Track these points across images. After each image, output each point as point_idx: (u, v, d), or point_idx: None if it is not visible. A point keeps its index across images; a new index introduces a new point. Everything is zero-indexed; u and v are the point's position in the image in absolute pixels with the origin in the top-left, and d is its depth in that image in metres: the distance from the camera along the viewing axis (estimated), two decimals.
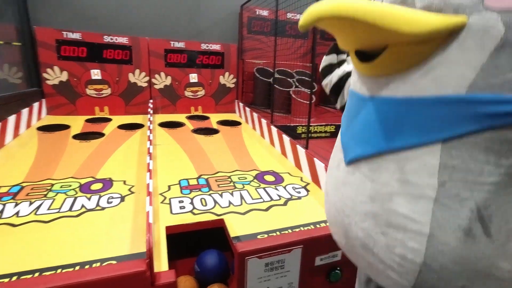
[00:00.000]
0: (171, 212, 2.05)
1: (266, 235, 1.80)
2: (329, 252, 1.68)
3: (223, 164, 2.92)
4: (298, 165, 2.93)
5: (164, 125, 4.35)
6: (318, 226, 1.92)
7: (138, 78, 4.86)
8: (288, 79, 4.99)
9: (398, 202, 0.66)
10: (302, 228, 1.88)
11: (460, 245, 0.59)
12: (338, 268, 1.73)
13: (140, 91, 4.91)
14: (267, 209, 2.13)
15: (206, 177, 2.62)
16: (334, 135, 4.32)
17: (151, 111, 4.26)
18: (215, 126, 4.48)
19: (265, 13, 5.39)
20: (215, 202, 2.19)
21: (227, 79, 5.31)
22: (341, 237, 0.86)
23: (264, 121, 3.89)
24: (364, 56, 0.69)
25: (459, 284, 0.59)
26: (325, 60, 1.27)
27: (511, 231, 0.55)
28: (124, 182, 2.47)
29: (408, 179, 0.63)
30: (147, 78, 4.91)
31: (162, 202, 2.17)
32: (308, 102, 4.46)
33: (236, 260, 1.52)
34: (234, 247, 1.61)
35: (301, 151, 2.87)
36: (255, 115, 4.27)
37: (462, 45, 0.53)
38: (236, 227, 1.87)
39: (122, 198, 2.21)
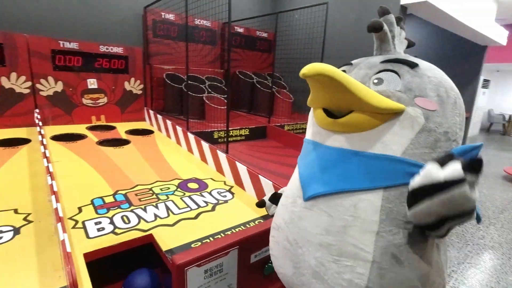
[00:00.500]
0: (87, 236, 1.81)
1: (199, 243, 1.80)
2: (262, 248, 1.80)
3: (141, 177, 2.73)
4: (219, 169, 2.99)
5: (58, 138, 3.73)
6: (248, 225, 2.03)
7: (16, 83, 4.02)
8: (200, 85, 4.99)
9: (351, 234, 0.83)
10: (233, 230, 1.96)
11: (393, 269, 0.80)
12: (270, 261, 1.87)
13: (20, 99, 4.07)
14: (196, 217, 2.12)
15: (124, 192, 2.41)
16: (248, 138, 4.56)
17: (40, 123, 3.59)
18: (124, 136, 4.10)
19: (171, 16, 5.24)
20: (139, 217, 2.04)
21: (133, 85, 4.94)
22: (288, 269, 0.99)
23: (179, 128, 3.80)
24: (329, 114, 0.90)
25: None
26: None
27: (419, 261, 0.79)
28: (16, 210, 2.04)
29: (360, 215, 0.82)
30: (28, 84, 4.11)
31: (74, 227, 1.89)
32: (222, 107, 4.58)
33: (174, 273, 1.48)
34: (170, 261, 1.55)
35: (222, 155, 2.94)
36: (168, 122, 4.12)
37: (401, 123, 0.81)
38: (167, 240, 1.80)
39: (17, 230, 1.82)
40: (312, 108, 1.03)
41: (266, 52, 6.43)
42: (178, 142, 3.84)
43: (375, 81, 0.91)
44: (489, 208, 4.99)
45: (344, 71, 1.01)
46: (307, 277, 0.92)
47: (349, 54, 5.30)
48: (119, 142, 3.79)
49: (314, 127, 1.00)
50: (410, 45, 1.10)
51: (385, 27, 0.97)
